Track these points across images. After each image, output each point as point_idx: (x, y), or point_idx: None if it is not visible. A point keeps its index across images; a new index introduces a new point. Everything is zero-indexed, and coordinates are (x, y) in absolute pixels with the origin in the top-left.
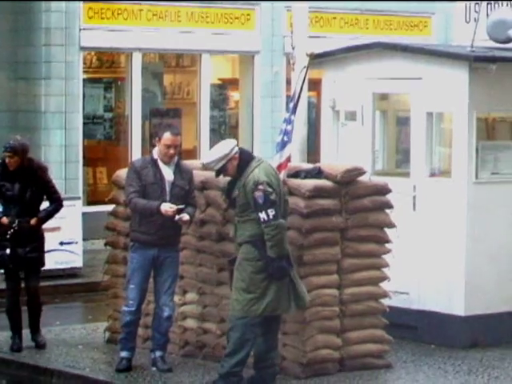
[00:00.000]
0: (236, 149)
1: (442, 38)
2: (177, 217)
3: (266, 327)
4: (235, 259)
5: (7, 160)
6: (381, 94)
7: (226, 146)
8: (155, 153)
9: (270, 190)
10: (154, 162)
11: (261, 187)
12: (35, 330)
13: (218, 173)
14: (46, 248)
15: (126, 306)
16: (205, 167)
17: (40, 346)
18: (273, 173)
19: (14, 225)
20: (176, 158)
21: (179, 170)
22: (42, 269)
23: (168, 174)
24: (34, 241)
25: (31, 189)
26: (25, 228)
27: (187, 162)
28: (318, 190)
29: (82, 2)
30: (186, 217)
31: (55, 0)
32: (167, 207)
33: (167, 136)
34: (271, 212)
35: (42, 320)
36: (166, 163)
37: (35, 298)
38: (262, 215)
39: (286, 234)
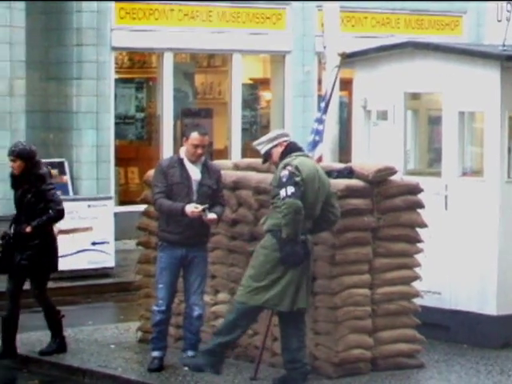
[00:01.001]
0: (285, 138)
1: (473, 37)
2: (205, 216)
3: (288, 327)
4: None
5: (10, 164)
6: (412, 93)
7: (277, 131)
8: (182, 152)
9: (297, 172)
10: (181, 162)
11: (289, 167)
12: (52, 333)
13: (264, 159)
14: (79, 248)
15: (155, 305)
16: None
17: (40, 351)
18: (310, 167)
19: (7, 231)
20: (203, 158)
21: (207, 170)
22: (75, 268)
23: (195, 173)
24: (29, 248)
25: (30, 195)
26: (19, 234)
27: (218, 162)
28: (350, 189)
29: (113, 2)
30: (212, 215)
31: (87, 0)
32: (192, 208)
33: (195, 136)
34: (290, 189)
35: (73, 320)
36: (194, 163)
37: (40, 304)
38: (282, 192)
39: (300, 217)
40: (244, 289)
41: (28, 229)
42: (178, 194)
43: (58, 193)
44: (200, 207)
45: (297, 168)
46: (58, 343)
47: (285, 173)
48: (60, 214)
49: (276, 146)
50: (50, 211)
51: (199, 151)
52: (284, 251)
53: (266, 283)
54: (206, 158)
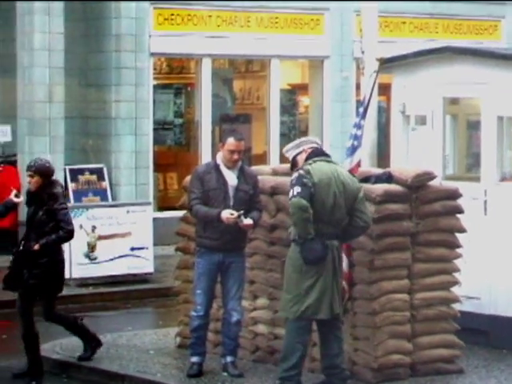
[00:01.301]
0: (310, 144)
1: None
2: (241, 222)
3: (328, 333)
4: None
5: (28, 179)
6: (451, 98)
7: (302, 138)
8: (218, 158)
9: (307, 175)
10: (217, 167)
11: (300, 171)
12: (83, 341)
13: (292, 165)
14: (118, 253)
15: (194, 310)
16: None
17: (79, 357)
18: (326, 172)
19: (17, 248)
20: (240, 163)
21: (243, 175)
22: (114, 274)
23: (231, 178)
24: (37, 267)
25: (41, 213)
26: (27, 252)
27: (257, 167)
28: (389, 194)
29: (151, 8)
30: (248, 221)
31: (126, 0)
32: (227, 214)
33: (231, 141)
34: (296, 189)
35: (112, 325)
36: (230, 168)
37: (54, 321)
38: (290, 193)
39: (306, 215)
40: (282, 303)
41: (36, 246)
42: (215, 199)
43: (71, 214)
44: (235, 213)
45: (308, 171)
46: (94, 346)
47: (295, 175)
48: (70, 235)
49: (301, 152)
50: (60, 231)
51: (235, 157)
52: (303, 250)
53: (299, 293)
54: (242, 163)
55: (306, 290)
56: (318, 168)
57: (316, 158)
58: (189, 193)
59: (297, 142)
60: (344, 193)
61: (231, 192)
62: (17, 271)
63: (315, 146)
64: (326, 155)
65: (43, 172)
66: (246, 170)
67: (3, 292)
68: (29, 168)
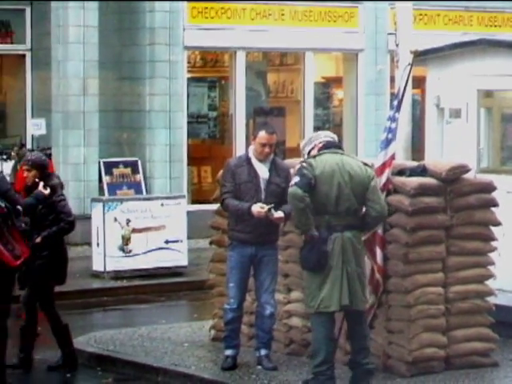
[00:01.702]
0: (320, 139)
1: None
2: (271, 215)
3: (351, 328)
4: None
5: (25, 174)
6: (486, 91)
7: (315, 133)
8: (250, 151)
9: (308, 167)
10: (249, 161)
11: (303, 163)
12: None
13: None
14: (152, 246)
15: (227, 304)
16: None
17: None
18: (330, 163)
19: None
20: (272, 156)
21: (275, 168)
22: (148, 267)
23: (263, 171)
24: (39, 259)
25: (41, 206)
26: (31, 246)
27: (291, 161)
28: (423, 187)
29: (185, 2)
30: (279, 214)
31: (159, 0)
32: (258, 208)
33: (262, 134)
34: (295, 179)
35: (147, 318)
36: (262, 161)
37: (47, 315)
38: (291, 182)
39: (301, 205)
40: (304, 299)
41: (38, 239)
42: (247, 192)
43: (69, 204)
44: (266, 207)
45: (310, 164)
46: (66, 356)
47: (297, 167)
48: (71, 226)
49: (313, 148)
50: (62, 223)
51: (267, 150)
52: (300, 257)
53: (315, 287)
54: (274, 156)
55: (318, 284)
56: (322, 160)
57: (324, 151)
58: (220, 186)
59: (309, 137)
60: (351, 182)
61: (263, 185)
62: (26, 268)
63: (327, 139)
64: (336, 147)
65: (39, 165)
66: (278, 162)
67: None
68: (26, 162)
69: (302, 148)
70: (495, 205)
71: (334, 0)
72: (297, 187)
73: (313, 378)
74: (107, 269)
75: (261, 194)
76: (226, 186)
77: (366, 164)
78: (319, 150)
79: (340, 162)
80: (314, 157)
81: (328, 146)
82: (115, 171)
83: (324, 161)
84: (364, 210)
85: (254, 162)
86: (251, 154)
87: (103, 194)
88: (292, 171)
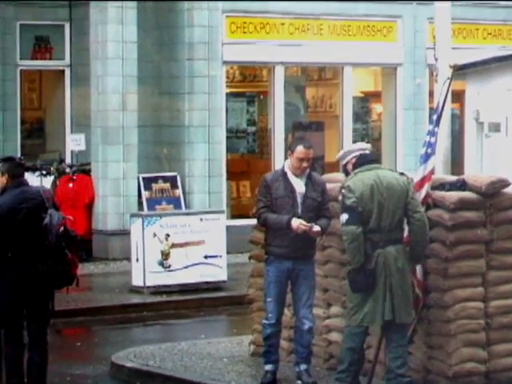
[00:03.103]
0: (355, 153)
1: None
2: (312, 229)
3: (389, 338)
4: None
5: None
6: None
7: (347, 148)
8: (286, 165)
9: (349, 194)
10: (285, 175)
11: (343, 191)
12: None
13: (345, 173)
14: (191, 261)
15: (265, 319)
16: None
17: None
18: (366, 182)
19: None
20: (308, 170)
21: (311, 182)
22: (188, 282)
23: (299, 186)
24: None
25: None
26: None
27: (330, 175)
28: (463, 202)
29: (224, 16)
30: (317, 228)
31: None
32: (298, 222)
33: (300, 149)
34: (344, 217)
35: (186, 333)
36: (298, 176)
37: None
38: (341, 218)
39: (356, 244)
40: (347, 312)
41: None
42: (283, 207)
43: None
44: (307, 224)
45: (349, 189)
46: None
47: (340, 198)
48: None
49: (348, 162)
50: None
51: (304, 164)
52: (348, 280)
53: (358, 302)
54: (310, 170)
55: (362, 299)
56: (359, 179)
57: (357, 170)
58: (256, 201)
59: (343, 151)
60: (390, 197)
61: (299, 199)
62: None
63: (359, 153)
64: (371, 162)
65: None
66: (314, 176)
67: (76, 300)
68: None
69: (339, 157)
70: None
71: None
72: (352, 225)
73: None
74: (147, 284)
75: (297, 208)
76: (262, 200)
77: (402, 173)
78: (353, 165)
79: (377, 179)
80: (350, 178)
81: (362, 161)
82: (154, 186)
83: (361, 180)
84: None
85: (290, 176)
86: (287, 169)
87: (142, 209)
88: (329, 186)
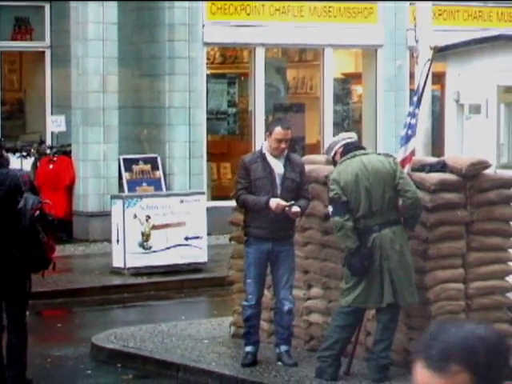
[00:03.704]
0: (341, 143)
1: None
2: (286, 208)
3: (379, 320)
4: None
5: None
6: (505, 86)
7: (333, 138)
8: (264, 147)
9: (332, 186)
10: (263, 156)
11: (329, 183)
12: None
13: (334, 165)
14: (172, 243)
15: (245, 300)
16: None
17: None
18: (351, 170)
19: None
20: (286, 151)
21: (289, 163)
22: (168, 263)
23: (278, 167)
24: None
25: None
26: None
27: (310, 157)
28: (443, 183)
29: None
30: (295, 208)
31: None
32: (276, 202)
33: (278, 130)
34: (330, 209)
35: (167, 315)
36: (276, 157)
37: None
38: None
39: (344, 232)
40: (341, 292)
41: None
42: (262, 188)
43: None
44: (283, 203)
45: (333, 180)
46: None
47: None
48: None
49: (335, 154)
50: None
51: (283, 145)
52: (346, 265)
53: (353, 284)
54: (288, 151)
55: (356, 281)
56: (343, 170)
57: (342, 159)
58: (235, 183)
59: (328, 144)
60: (377, 181)
61: (278, 180)
62: None
63: (345, 142)
64: (356, 149)
65: None
66: (292, 157)
67: (56, 282)
68: None
69: (327, 155)
70: None
71: (351, 0)
72: (337, 217)
73: (319, 360)
74: (127, 265)
75: (276, 189)
76: (240, 182)
77: (387, 155)
78: (341, 154)
79: (361, 166)
80: (336, 168)
81: (348, 150)
82: (135, 168)
83: (345, 170)
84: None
85: (269, 157)
86: (265, 150)
87: (123, 191)
88: (309, 168)
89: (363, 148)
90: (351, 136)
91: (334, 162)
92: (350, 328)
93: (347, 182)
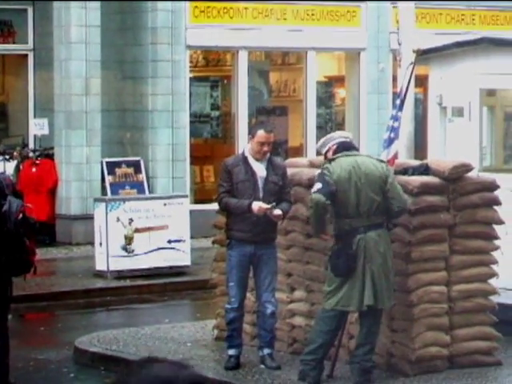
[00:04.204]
0: (336, 140)
1: None
2: (271, 212)
3: (362, 323)
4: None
5: None
6: (488, 89)
7: (329, 135)
8: (246, 150)
9: (327, 173)
10: (245, 160)
11: (323, 169)
12: None
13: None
14: (155, 246)
15: (228, 303)
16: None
17: None
18: (345, 167)
19: None
20: (268, 154)
21: (272, 166)
22: (151, 266)
23: (260, 170)
24: None
25: None
26: None
27: (293, 160)
28: (426, 186)
29: (187, 2)
30: (277, 211)
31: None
32: (258, 205)
33: (261, 133)
34: (317, 185)
35: (150, 318)
36: (258, 160)
37: None
38: (314, 185)
39: (322, 212)
40: (324, 295)
41: None
42: (244, 191)
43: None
44: (265, 205)
45: (328, 169)
46: None
47: (318, 172)
48: None
49: (328, 150)
50: None
51: (265, 148)
52: (330, 265)
53: (335, 286)
54: (271, 154)
55: (339, 283)
56: (337, 165)
57: (340, 154)
58: (218, 186)
59: (323, 140)
60: (368, 182)
61: (260, 183)
62: None
63: (340, 140)
64: (350, 149)
65: None
66: (275, 160)
67: (39, 285)
68: None
69: (319, 150)
70: (498, 203)
71: (335, 0)
72: (320, 194)
73: (302, 364)
74: (110, 268)
75: (259, 192)
76: (223, 185)
77: (381, 161)
78: (334, 152)
79: (355, 164)
80: (330, 161)
81: (342, 148)
82: (118, 171)
83: (339, 165)
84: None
85: (251, 160)
86: (247, 153)
87: (106, 194)
88: (292, 171)
89: (357, 149)
90: (347, 136)
91: (325, 158)
92: (333, 332)
93: (340, 177)
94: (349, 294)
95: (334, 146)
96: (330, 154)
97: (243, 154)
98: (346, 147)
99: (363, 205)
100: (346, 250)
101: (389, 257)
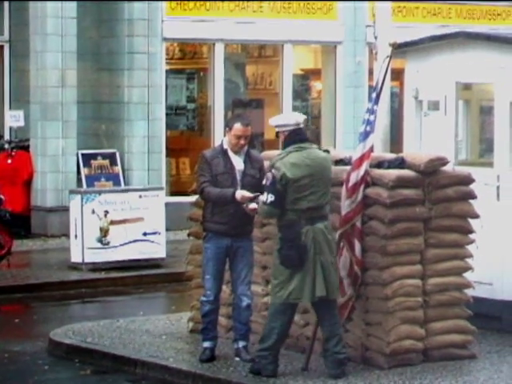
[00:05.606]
0: (287, 127)
1: None
2: (246, 205)
3: (321, 316)
4: None
5: None
6: (464, 83)
7: (290, 119)
8: (225, 142)
9: (278, 176)
10: (224, 152)
11: (274, 171)
12: None
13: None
14: (130, 238)
15: (203, 296)
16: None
17: None
18: (297, 162)
19: None
20: (246, 148)
21: (249, 159)
22: (126, 259)
23: (238, 163)
24: None
25: None
26: None
27: (269, 152)
28: (401, 179)
29: None
30: (253, 205)
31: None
32: (242, 194)
33: (238, 127)
34: (270, 197)
35: (125, 310)
36: (236, 153)
37: None
38: (263, 196)
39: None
40: (271, 289)
41: None
42: (223, 184)
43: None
44: (250, 195)
45: (278, 170)
46: None
47: (269, 176)
48: None
49: (279, 132)
50: None
51: (242, 142)
52: (280, 257)
53: (284, 278)
54: (248, 147)
55: (288, 275)
56: (289, 161)
57: (288, 149)
58: (198, 177)
59: (280, 121)
60: (321, 177)
61: (238, 176)
62: None
63: (293, 128)
64: (302, 139)
65: None
66: (252, 154)
67: (14, 277)
68: None
69: (273, 126)
70: (473, 197)
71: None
72: (272, 207)
73: (256, 361)
74: (85, 261)
75: (237, 185)
76: (204, 175)
77: (326, 150)
78: (285, 138)
79: (308, 160)
80: (282, 158)
81: (294, 138)
82: (93, 163)
83: (291, 162)
84: None
85: (230, 153)
86: (226, 146)
87: (81, 186)
88: (266, 164)
89: (309, 140)
90: (301, 121)
91: (277, 137)
92: (286, 324)
93: (293, 174)
94: (300, 286)
95: (286, 133)
96: (281, 137)
97: (222, 146)
98: (297, 138)
99: (315, 200)
100: (296, 241)
101: (335, 248)
